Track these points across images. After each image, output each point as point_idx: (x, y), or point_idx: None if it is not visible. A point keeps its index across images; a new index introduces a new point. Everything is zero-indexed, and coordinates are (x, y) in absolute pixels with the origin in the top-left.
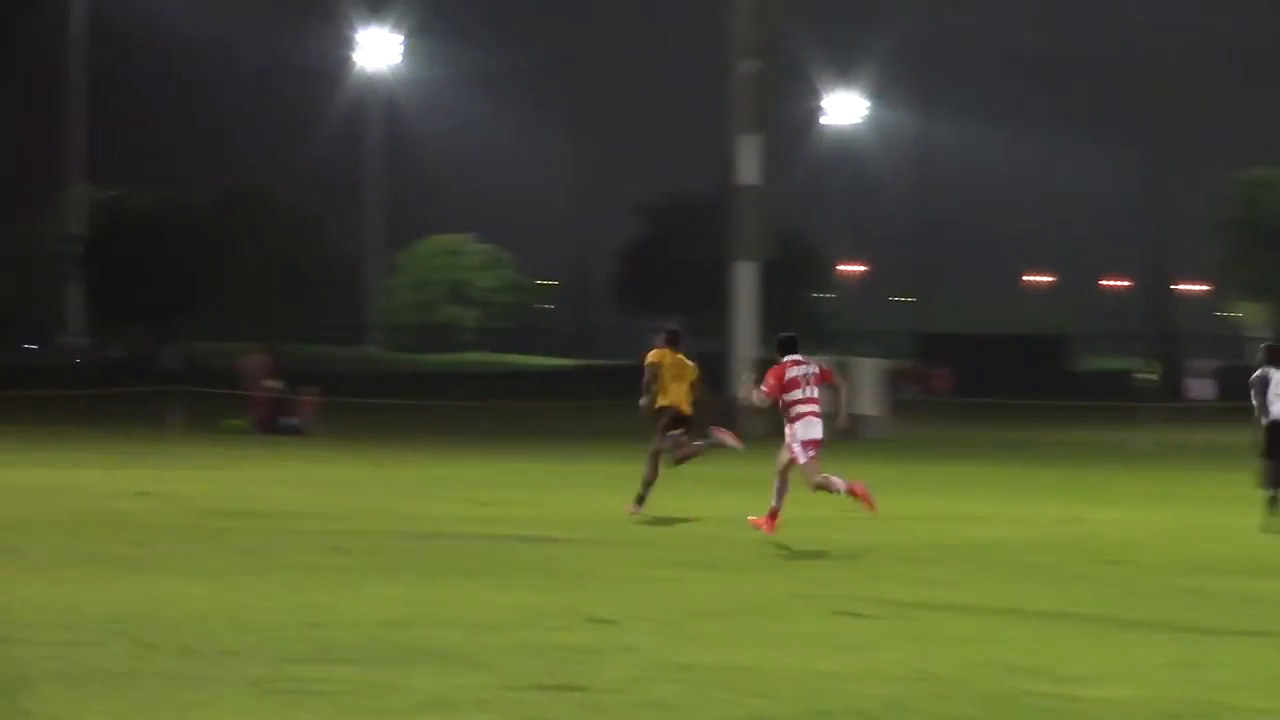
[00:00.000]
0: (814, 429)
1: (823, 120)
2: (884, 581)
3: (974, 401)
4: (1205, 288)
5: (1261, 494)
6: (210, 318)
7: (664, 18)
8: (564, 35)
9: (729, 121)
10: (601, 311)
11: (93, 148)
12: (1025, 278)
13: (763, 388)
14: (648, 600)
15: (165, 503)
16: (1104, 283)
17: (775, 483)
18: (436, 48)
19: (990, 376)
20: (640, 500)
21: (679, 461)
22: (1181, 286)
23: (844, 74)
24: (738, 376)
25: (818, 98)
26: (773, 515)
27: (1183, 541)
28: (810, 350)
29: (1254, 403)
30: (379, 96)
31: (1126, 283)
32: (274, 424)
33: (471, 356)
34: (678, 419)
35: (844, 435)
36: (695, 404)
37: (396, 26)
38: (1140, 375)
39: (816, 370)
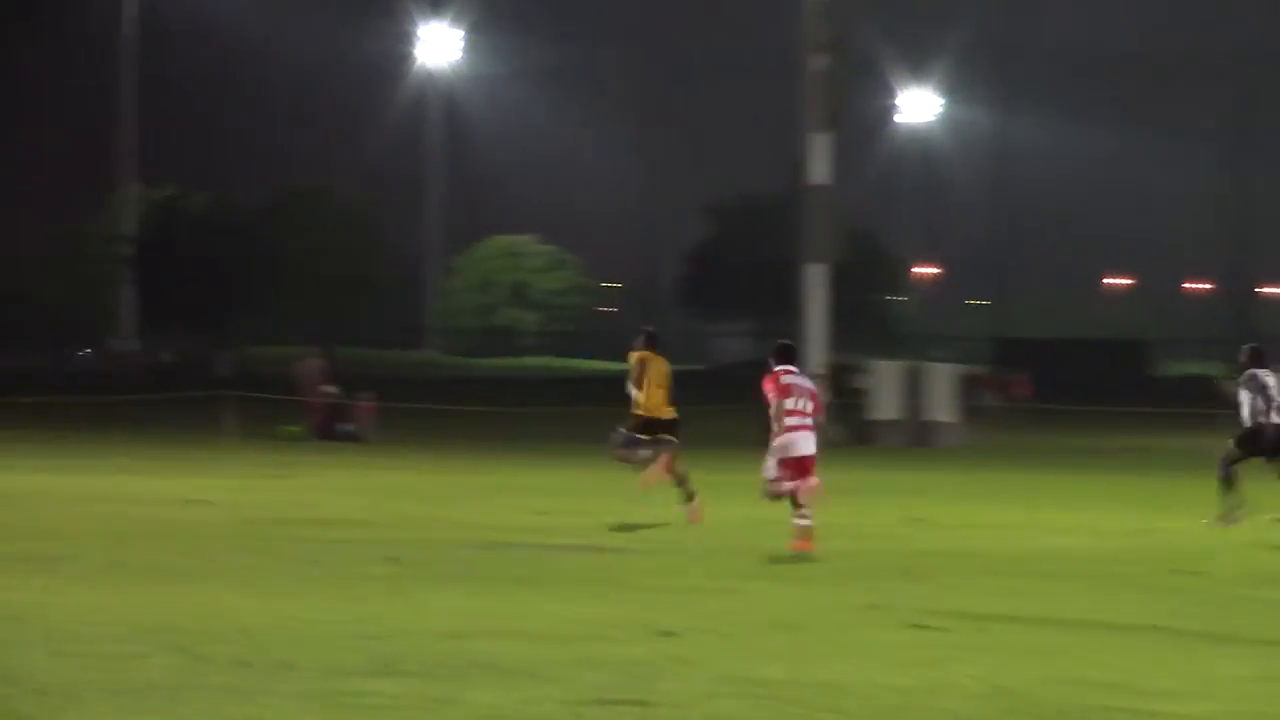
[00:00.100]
0: (799, 445)
1: (895, 118)
2: (957, 593)
3: (1052, 408)
4: None
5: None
6: (265, 321)
7: (734, 12)
8: (630, 30)
9: (799, 120)
10: (668, 315)
11: (145, 147)
12: (1105, 280)
13: (768, 397)
14: (713, 612)
15: (218, 511)
16: (1186, 286)
17: (785, 501)
18: (498, 43)
19: (1069, 382)
20: (690, 498)
21: (621, 460)
22: (1266, 289)
23: (917, 70)
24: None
25: (890, 95)
26: (806, 536)
27: (1260, 552)
28: (883, 355)
29: (1246, 404)
30: (439, 93)
31: (1209, 286)
32: (330, 430)
33: (533, 361)
34: (650, 424)
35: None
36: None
37: (457, 21)
38: (1222, 381)
39: (810, 385)
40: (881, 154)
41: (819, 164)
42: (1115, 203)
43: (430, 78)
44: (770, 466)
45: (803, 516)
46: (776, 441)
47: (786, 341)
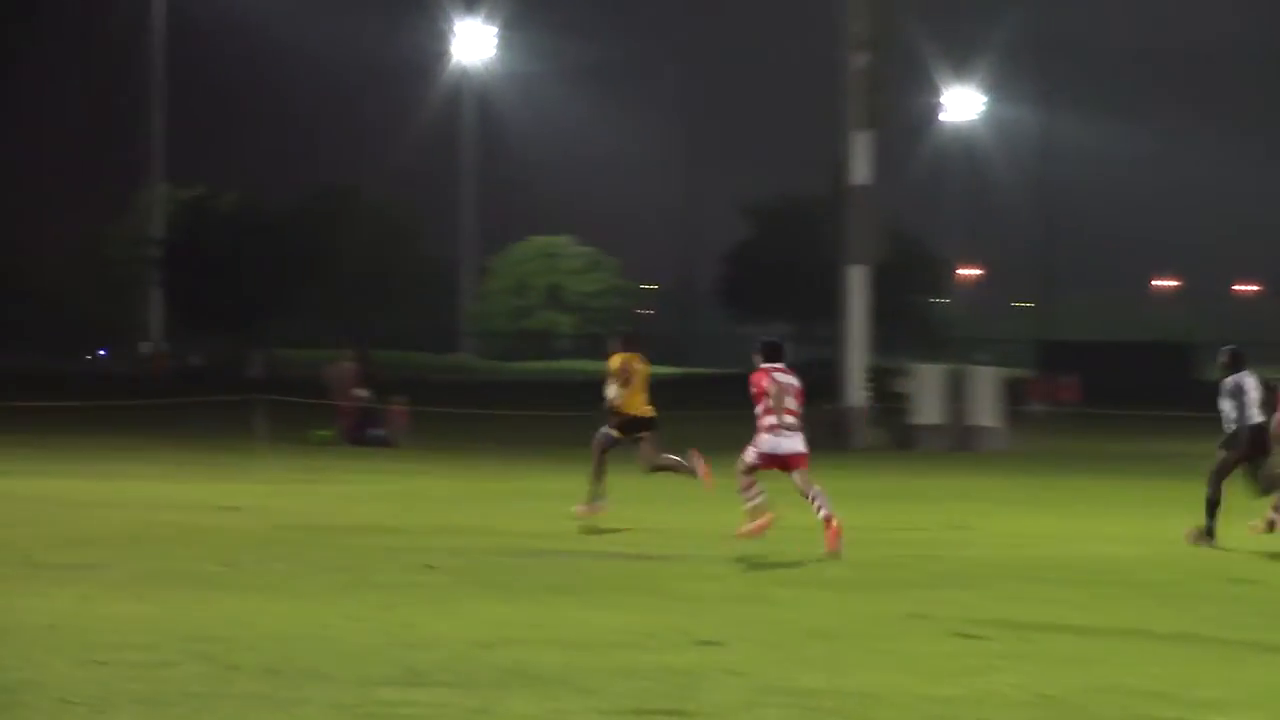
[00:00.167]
0: (786, 443)
1: (939, 116)
2: (1002, 601)
3: (1098, 412)
4: None
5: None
6: (295, 323)
7: (774, 8)
8: (667, 27)
9: (841, 118)
10: (706, 318)
11: (173, 147)
12: (1152, 282)
13: (755, 395)
14: (754, 620)
15: (249, 517)
16: (1235, 287)
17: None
18: (533, 40)
19: (1115, 386)
20: (599, 497)
21: (662, 468)
22: None
23: (961, 68)
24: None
25: (933, 93)
26: (758, 514)
27: None
28: (925, 359)
29: (1229, 411)
30: (473, 91)
31: (1257, 287)
32: (362, 435)
33: (569, 364)
34: (633, 423)
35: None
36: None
37: (491, 18)
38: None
39: (796, 383)
40: (924, 153)
41: (860, 163)
42: (1162, 202)
43: (464, 75)
44: (749, 453)
45: (753, 497)
46: (763, 438)
47: (772, 339)
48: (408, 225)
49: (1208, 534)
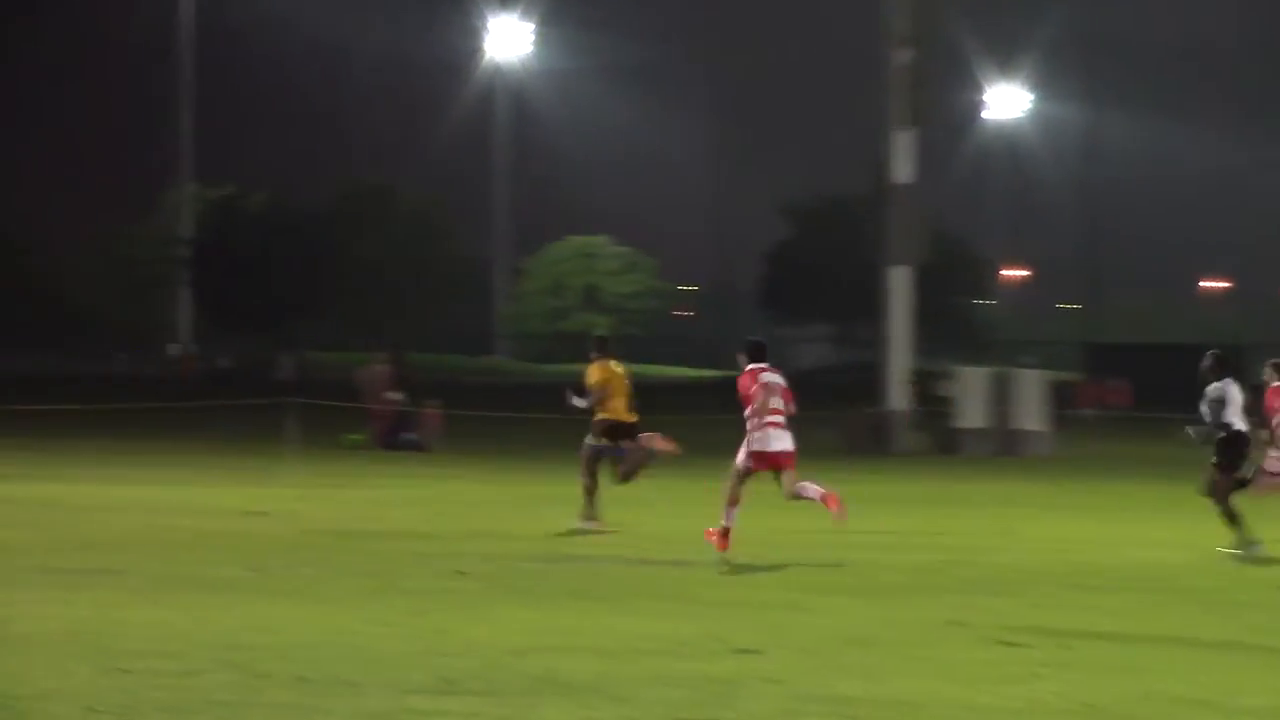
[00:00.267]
0: (774, 441)
1: (983, 114)
2: (1044, 609)
3: (1145, 416)
4: None
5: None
6: (327, 325)
7: (814, 5)
8: (706, 24)
9: (883, 116)
10: (746, 319)
11: (202, 146)
12: (1201, 283)
13: (743, 396)
14: (792, 628)
15: (279, 522)
16: None
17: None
18: (569, 37)
19: (1165, 389)
20: (593, 506)
21: (624, 479)
22: None
23: (1005, 65)
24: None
25: (977, 90)
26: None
27: None
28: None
29: (1208, 418)
30: (508, 89)
31: None
32: (394, 439)
33: None
34: (616, 429)
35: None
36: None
37: (527, 15)
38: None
39: (783, 382)
40: (968, 152)
41: (903, 162)
42: (1211, 202)
43: (499, 73)
44: (740, 458)
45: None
46: (753, 437)
47: (757, 339)
48: (441, 225)
49: (1245, 545)
